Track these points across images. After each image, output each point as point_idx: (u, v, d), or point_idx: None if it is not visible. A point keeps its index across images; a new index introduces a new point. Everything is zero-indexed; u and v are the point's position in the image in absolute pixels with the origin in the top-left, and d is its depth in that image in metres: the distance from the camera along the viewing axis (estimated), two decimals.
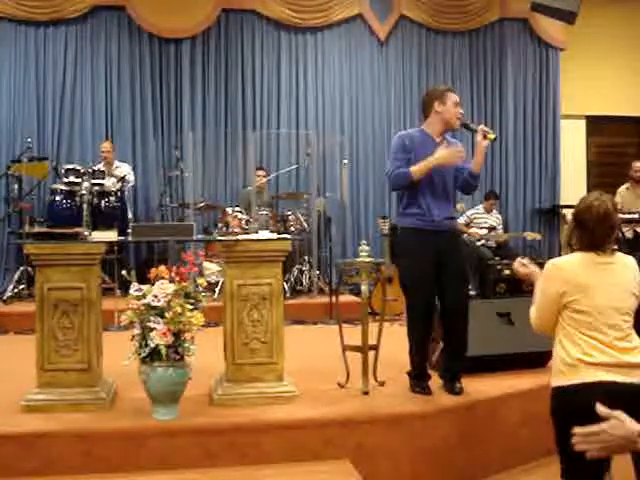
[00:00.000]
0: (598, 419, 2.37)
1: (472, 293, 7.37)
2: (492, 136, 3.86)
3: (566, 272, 2.66)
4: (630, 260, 2.73)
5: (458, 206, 7.63)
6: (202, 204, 7.78)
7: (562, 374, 2.63)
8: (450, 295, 3.91)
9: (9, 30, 8.28)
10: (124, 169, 7.94)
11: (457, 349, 3.97)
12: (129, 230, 4.15)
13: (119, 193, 7.68)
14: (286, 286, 6.99)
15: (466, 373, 4.16)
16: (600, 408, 1.80)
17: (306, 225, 7.71)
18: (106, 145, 7.94)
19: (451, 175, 3.90)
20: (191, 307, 3.40)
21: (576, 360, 2.58)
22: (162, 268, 3.48)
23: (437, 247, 3.81)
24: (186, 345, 3.39)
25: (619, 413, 1.81)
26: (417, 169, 3.78)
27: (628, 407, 2.42)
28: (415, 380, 3.92)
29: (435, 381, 4.04)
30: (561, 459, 2.68)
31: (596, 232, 2.65)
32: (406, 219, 3.93)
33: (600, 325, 2.57)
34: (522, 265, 2.95)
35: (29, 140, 7.53)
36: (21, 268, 7.18)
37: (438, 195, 3.85)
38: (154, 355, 3.34)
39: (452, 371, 3.98)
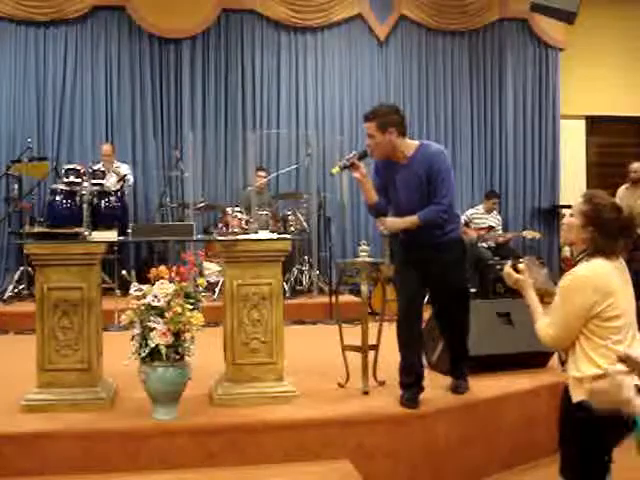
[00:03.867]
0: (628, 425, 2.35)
1: (471, 290, 7.37)
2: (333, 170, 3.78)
3: (594, 280, 2.54)
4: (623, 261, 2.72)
5: None
6: (202, 204, 7.78)
7: (589, 387, 2.49)
8: (435, 302, 3.93)
9: (9, 30, 8.28)
10: (123, 169, 7.94)
11: (455, 351, 3.97)
12: (129, 230, 4.15)
13: (119, 193, 7.69)
14: (286, 286, 6.99)
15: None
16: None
17: (306, 225, 7.71)
18: (107, 148, 7.93)
19: (416, 200, 3.63)
20: (191, 307, 3.40)
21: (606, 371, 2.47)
22: (162, 268, 3.49)
23: (420, 256, 3.70)
24: (186, 345, 3.39)
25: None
26: None
27: None
28: (401, 389, 3.77)
29: (435, 381, 4.05)
30: (567, 458, 2.64)
31: (620, 239, 2.60)
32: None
33: (626, 328, 2.54)
34: (513, 270, 2.78)
35: (29, 140, 7.53)
36: (21, 268, 7.18)
37: (404, 212, 3.70)
38: (154, 355, 3.35)
39: (455, 371, 3.99)
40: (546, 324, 2.64)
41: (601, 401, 1.84)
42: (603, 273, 2.57)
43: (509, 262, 2.82)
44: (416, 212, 3.62)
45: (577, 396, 2.56)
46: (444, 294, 3.85)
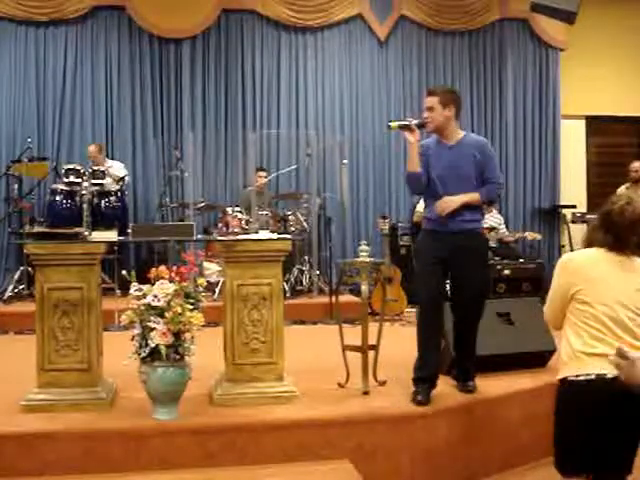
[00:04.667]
0: (601, 413, 2.40)
1: None
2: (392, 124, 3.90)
3: (576, 263, 2.69)
4: None
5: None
6: (202, 204, 7.79)
7: (566, 366, 2.63)
8: (457, 294, 3.93)
9: (9, 30, 8.28)
10: (116, 167, 7.92)
11: (465, 349, 3.98)
12: (129, 230, 4.15)
13: (119, 193, 7.69)
14: (286, 286, 6.99)
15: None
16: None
17: (306, 225, 7.71)
18: (92, 149, 7.91)
19: (465, 179, 3.79)
20: (191, 307, 3.40)
21: (578, 352, 2.58)
22: (162, 268, 3.48)
23: (446, 248, 3.77)
24: (186, 345, 3.39)
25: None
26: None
27: (629, 400, 2.43)
28: (413, 384, 3.78)
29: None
30: (556, 449, 2.67)
31: (624, 237, 2.64)
32: (424, 222, 3.99)
33: (603, 318, 2.57)
34: None
35: (29, 140, 7.53)
36: (21, 268, 7.18)
37: (450, 192, 3.79)
38: (154, 355, 3.34)
39: (463, 370, 3.99)
40: (545, 305, 2.84)
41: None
42: (590, 259, 2.67)
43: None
44: (465, 191, 3.78)
45: (560, 374, 2.67)
46: (465, 290, 3.85)
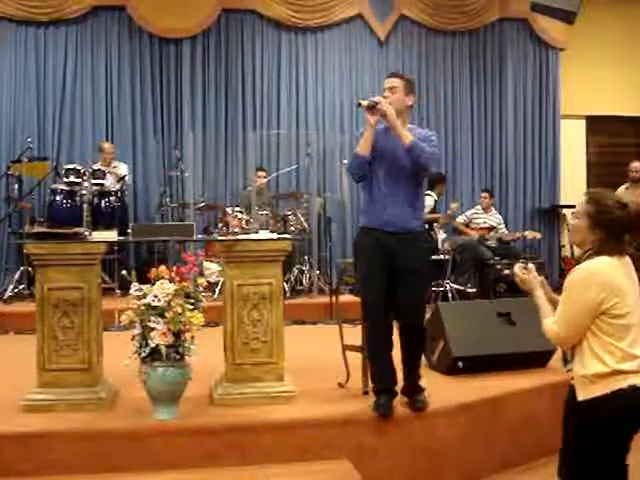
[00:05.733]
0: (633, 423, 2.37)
1: (472, 290, 7.39)
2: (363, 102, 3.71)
3: (602, 277, 2.51)
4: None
5: (453, 205, 7.66)
6: (202, 204, 7.79)
7: (595, 385, 2.51)
8: (401, 301, 3.67)
9: (9, 30, 8.28)
10: (122, 168, 7.94)
11: (413, 361, 3.77)
12: (129, 230, 4.15)
13: (119, 193, 7.69)
14: (286, 286, 6.99)
15: (466, 373, 4.18)
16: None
17: (306, 225, 7.71)
18: (108, 147, 7.94)
19: (407, 170, 3.62)
20: (191, 307, 3.40)
21: (613, 370, 2.48)
22: (162, 268, 3.49)
23: (389, 249, 3.61)
24: (186, 345, 3.40)
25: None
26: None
27: None
28: (375, 395, 3.64)
29: (435, 381, 4.05)
30: (571, 460, 2.61)
31: (624, 236, 2.57)
32: (362, 217, 3.86)
33: (633, 327, 2.50)
34: (523, 270, 2.78)
35: (29, 140, 7.52)
36: (21, 268, 7.18)
37: (393, 196, 3.64)
38: (154, 355, 3.35)
39: (412, 385, 3.76)
40: (553, 321, 2.61)
41: None
42: (612, 270, 2.54)
43: (519, 263, 2.83)
44: (407, 183, 3.64)
45: (583, 394, 2.54)
46: (406, 291, 3.63)
